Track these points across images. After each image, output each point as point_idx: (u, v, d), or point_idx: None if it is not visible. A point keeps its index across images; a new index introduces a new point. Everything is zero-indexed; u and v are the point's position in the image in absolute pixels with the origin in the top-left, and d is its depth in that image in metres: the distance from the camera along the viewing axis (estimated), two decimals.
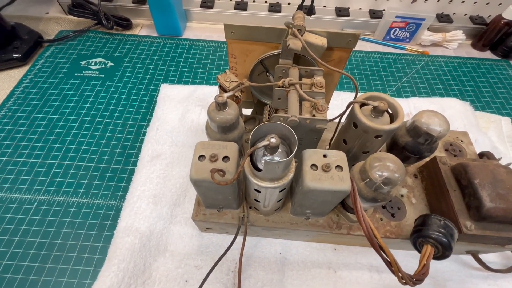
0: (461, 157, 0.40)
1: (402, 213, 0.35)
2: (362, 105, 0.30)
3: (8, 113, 0.53)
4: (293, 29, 0.28)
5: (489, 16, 0.71)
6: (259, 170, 0.25)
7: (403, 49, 0.70)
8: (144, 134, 0.50)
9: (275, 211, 0.34)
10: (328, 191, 0.26)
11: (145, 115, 0.54)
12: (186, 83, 0.59)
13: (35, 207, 0.43)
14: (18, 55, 0.59)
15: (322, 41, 0.31)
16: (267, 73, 0.37)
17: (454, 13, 0.72)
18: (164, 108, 0.51)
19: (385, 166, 0.25)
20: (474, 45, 0.71)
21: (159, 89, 0.56)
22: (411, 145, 0.30)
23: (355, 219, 0.33)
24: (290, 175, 0.26)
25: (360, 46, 0.70)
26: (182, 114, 0.51)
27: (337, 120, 0.34)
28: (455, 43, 0.69)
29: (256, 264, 0.38)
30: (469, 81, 0.64)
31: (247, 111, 0.46)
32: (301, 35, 0.29)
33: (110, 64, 0.62)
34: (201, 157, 0.27)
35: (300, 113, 0.30)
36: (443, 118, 0.28)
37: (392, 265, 0.23)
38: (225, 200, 0.31)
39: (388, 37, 0.70)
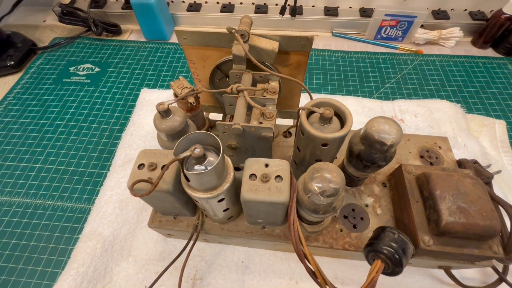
0: (436, 166, 0.37)
1: (365, 224, 0.33)
2: (313, 112, 0.29)
3: None
4: (236, 34, 0.27)
5: (492, 11, 0.66)
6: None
7: (395, 48, 0.66)
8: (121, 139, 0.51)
9: (228, 220, 0.33)
10: (265, 203, 0.25)
11: (125, 120, 0.55)
12: (168, 87, 0.60)
13: (13, 209, 0.45)
14: (12, 63, 0.62)
15: (272, 46, 0.30)
16: (227, 78, 0.36)
17: (452, 9, 0.67)
18: (141, 113, 0.52)
19: (322, 176, 0.24)
20: (474, 43, 0.66)
21: (140, 93, 0.57)
22: (365, 153, 0.28)
23: (312, 230, 0.32)
24: (226, 185, 0.25)
25: (350, 46, 0.68)
26: None
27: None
28: (452, 40, 0.65)
29: (216, 272, 0.37)
30: (464, 81, 0.59)
31: (219, 116, 0.45)
32: (245, 40, 0.28)
33: (97, 69, 0.63)
34: (141, 165, 0.27)
35: (249, 121, 0.30)
36: (395, 125, 0.26)
37: (317, 276, 0.22)
38: (174, 208, 0.31)
39: (379, 36, 0.67)
